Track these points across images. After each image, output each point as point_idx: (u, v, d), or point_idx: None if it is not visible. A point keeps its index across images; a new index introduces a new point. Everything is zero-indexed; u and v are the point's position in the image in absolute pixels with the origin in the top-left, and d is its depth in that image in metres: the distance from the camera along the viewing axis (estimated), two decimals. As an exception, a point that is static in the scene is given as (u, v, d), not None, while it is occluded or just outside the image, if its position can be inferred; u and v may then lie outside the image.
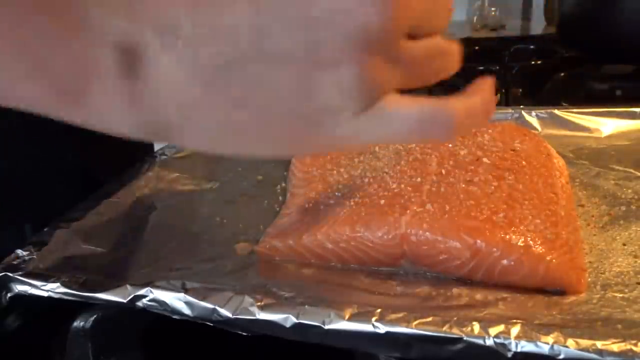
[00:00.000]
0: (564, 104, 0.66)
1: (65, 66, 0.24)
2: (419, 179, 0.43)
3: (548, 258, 0.36)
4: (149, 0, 0.23)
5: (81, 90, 0.24)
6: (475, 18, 1.32)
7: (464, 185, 0.42)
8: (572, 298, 0.36)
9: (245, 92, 0.24)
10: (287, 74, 0.24)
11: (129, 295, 0.37)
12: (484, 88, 0.29)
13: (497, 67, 0.88)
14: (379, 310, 0.33)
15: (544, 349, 0.30)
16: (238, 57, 0.24)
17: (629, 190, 0.47)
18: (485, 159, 0.45)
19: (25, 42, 0.23)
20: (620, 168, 0.51)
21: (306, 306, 0.34)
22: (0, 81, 0.24)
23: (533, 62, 0.93)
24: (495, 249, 0.37)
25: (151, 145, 0.70)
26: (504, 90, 0.84)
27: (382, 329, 0.32)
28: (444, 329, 0.31)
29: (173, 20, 0.23)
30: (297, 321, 0.34)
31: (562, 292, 0.36)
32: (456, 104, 0.27)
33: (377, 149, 0.51)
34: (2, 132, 0.50)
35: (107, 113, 0.25)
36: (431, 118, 0.26)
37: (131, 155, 0.60)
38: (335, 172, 0.49)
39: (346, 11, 0.23)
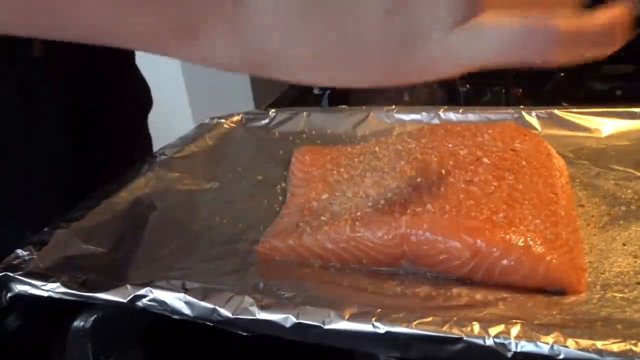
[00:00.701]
0: (564, 104, 0.66)
1: (176, 3, 0.24)
2: (419, 179, 0.43)
3: (548, 258, 0.36)
4: None
5: (193, 23, 0.25)
6: (475, 18, 1.32)
7: (464, 185, 0.42)
8: (572, 298, 0.36)
9: (340, 15, 0.24)
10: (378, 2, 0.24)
11: (129, 295, 0.37)
12: (611, 12, 0.24)
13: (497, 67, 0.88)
14: (379, 310, 0.33)
15: (544, 349, 0.30)
16: None
17: (629, 190, 0.47)
18: (485, 159, 0.45)
19: None
20: (620, 168, 0.51)
21: (306, 306, 0.34)
22: (113, 16, 0.25)
23: (533, 62, 0.92)
24: (495, 249, 0.37)
25: (151, 145, 0.70)
26: (504, 90, 0.84)
27: (382, 329, 0.32)
28: (444, 329, 0.31)
29: None
30: (297, 321, 0.34)
31: (562, 292, 0.36)
32: (564, 20, 0.24)
33: (377, 149, 0.51)
34: (2, 132, 0.50)
35: (215, 45, 0.26)
36: (530, 32, 0.24)
37: (131, 155, 0.60)
38: (335, 172, 0.49)
39: None
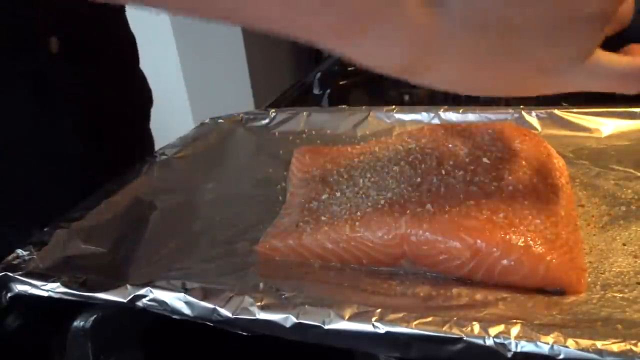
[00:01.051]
0: (564, 104, 0.66)
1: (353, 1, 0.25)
2: (419, 179, 0.43)
3: (548, 258, 0.36)
4: None
5: (365, 21, 0.26)
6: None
7: (464, 185, 0.42)
8: (572, 298, 0.36)
9: (502, 37, 0.28)
10: (542, 26, 0.27)
11: (129, 295, 0.37)
12: None
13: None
14: (379, 310, 0.33)
15: (544, 349, 0.30)
16: (505, 10, 0.27)
17: (629, 190, 0.47)
18: (485, 159, 0.45)
19: None
20: (620, 168, 0.51)
21: (306, 306, 0.34)
22: (290, 13, 0.25)
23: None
24: (495, 249, 0.37)
25: (151, 145, 0.70)
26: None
27: (382, 329, 0.32)
28: (444, 329, 0.31)
29: None
30: (297, 321, 0.34)
31: (562, 292, 0.36)
32: None
33: (377, 149, 0.51)
34: (13, 130, 0.50)
35: (377, 48, 0.27)
36: (630, 73, 0.31)
37: (131, 155, 0.60)
38: (335, 172, 0.49)
39: None
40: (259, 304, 0.35)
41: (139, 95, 0.67)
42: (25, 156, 0.51)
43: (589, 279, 0.37)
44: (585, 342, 0.29)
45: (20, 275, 0.40)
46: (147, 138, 0.70)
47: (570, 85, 0.31)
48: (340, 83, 0.92)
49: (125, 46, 0.64)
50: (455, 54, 0.28)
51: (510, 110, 0.62)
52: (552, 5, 0.27)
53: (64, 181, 0.54)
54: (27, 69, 0.49)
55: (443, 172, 0.44)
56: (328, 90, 0.89)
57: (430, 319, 0.32)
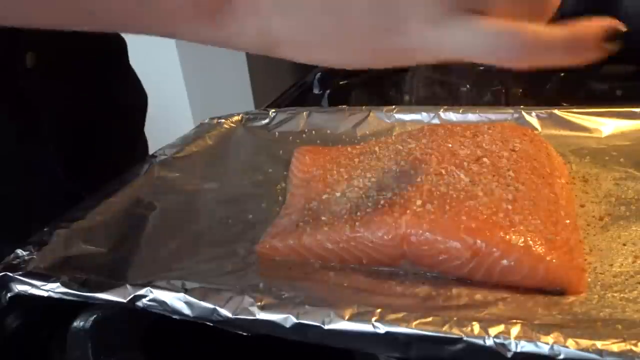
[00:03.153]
0: (564, 104, 0.66)
1: None
2: (419, 179, 0.43)
3: (548, 258, 0.36)
4: None
5: (219, 7, 0.29)
6: (475, 18, 1.31)
7: (464, 185, 0.42)
8: (572, 298, 0.36)
9: (335, 4, 0.28)
10: None
11: (129, 295, 0.37)
12: (585, 27, 0.27)
13: (497, 67, 0.88)
14: (379, 310, 0.33)
15: (544, 349, 0.30)
16: None
17: (629, 190, 0.47)
18: (485, 159, 0.45)
19: None
20: (620, 168, 0.51)
21: (306, 306, 0.34)
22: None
23: (533, 62, 0.92)
24: (495, 249, 0.37)
25: (145, 149, 0.70)
26: (504, 90, 0.84)
27: (382, 329, 0.32)
28: (444, 329, 0.31)
29: None
30: (297, 321, 0.34)
31: (562, 292, 0.36)
32: (538, 32, 0.27)
33: (377, 149, 0.51)
34: (5, 132, 0.50)
35: (228, 27, 0.30)
36: (505, 42, 0.26)
37: (131, 156, 0.60)
38: (335, 172, 0.49)
39: None
40: (259, 304, 0.35)
41: (130, 101, 0.66)
42: (10, 173, 0.51)
43: (589, 279, 0.37)
44: (585, 342, 0.29)
45: (20, 275, 0.40)
46: (140, 142, 0.70)
47: (429, 51, 0.28)
48: (340, 83, 0.92)
49: (110, 52, 0.62)
50: (292, 32, 0.30)
51: (510, 110, 0.62)
52: None
53: (64, 181, 0.54)
54: (5, 84, 0.49)
55: (443, 172, 0.44)
56: (328, 90, 0.89)
57: (430, 319, 0.32)
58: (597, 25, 0.28)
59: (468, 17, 0.26)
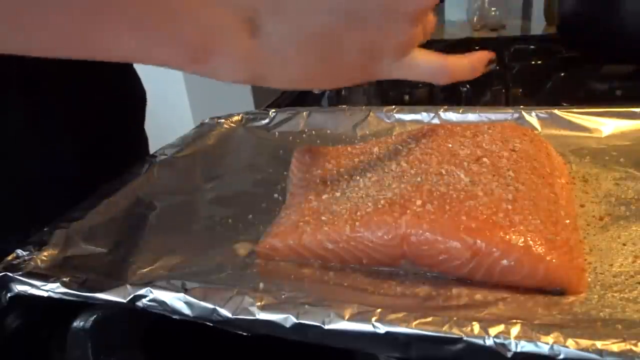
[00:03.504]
0: (564, 104, 0.66)
1: (194, 35, 0.32)
2: (419, 179, 0.43)
3: (548, 258, 0.36)
4: None
5: (205, 53, 0.33)
6: (475, 18, 1.32)
7: (464, 185, 0.42)
8: (572, 298, 0.36)
9: (327, 51, 0.35)
10: (359, 39, 0.36)
11: (129, 295, 0.37)
12: (477, 58, 0.43)
13: (497, 67, 0.88)
14: (379, 310, 0.33)
15: (544, 349, 0.30)
16: (329, 27, 0.34)
17: (629, 190, 0.47)
18: (485, 159, 0.45)
19: (163, 18, 0.31)
20: (620, 168, 0.51)
21: (306, 306, 0.34)
22: (140, 44, 0.31)
23: (533, 62, 0.93)
24: (495, 249, 0.37)
25: (143, 149, 0.70)
26: (504, 90, 0.84)
27: (382, 329, 0.32)
28: (444, 329, 0.31)
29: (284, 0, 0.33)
30: (297, 321, 0.34)
31: (562, 292, 0.36)
32: (453, 62, 0.41)
33: (377, 149, 0.51)
34: (4, 131, 0.50)
35: (224, 68, 0.34)
36: (439, 69, 0.41)
37: (131, 155, 0.60)
38: (335, 172, 0.49)
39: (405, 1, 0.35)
40: (259, 304, 0.35)
41: (132, 94, 0.67)
42: (18, 157, 0.51)
43: (589, 279, 0.37)
44: (585, 342, 0.29)
45: (20, 275, 0.40)
46: (141, 139, 0.70)
47: (391, 76, 0.39)
48: (340, 83, 0.92)
49: None
50: (284, 65, 0.35)
51: (510, 110, 0.62)
52: (364, 15, 0.35)
53: (65, 181, 0.54)
54: (15, 69, 0.49)
55: (443, 172, 0.44)
56: (328, 90, 0.89)
57: (430, 319, 0.32)
58: (483, 53, 0.43)
59: (413, 53, 0.39)
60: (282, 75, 0.36)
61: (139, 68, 0.68)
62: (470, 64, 0.42)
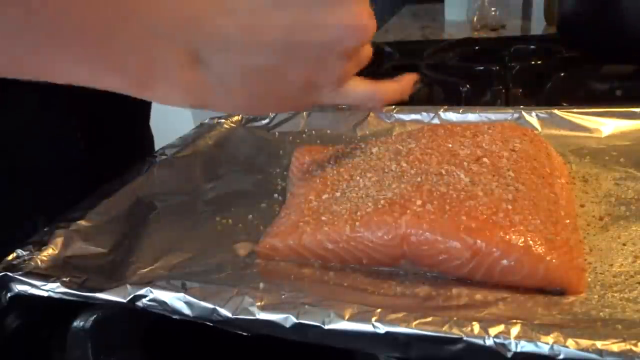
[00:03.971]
0: (564, 104, 0.66)
1: (138, 64, 0.34)
2: (419, 179, 0.43)
3: (548, 258, 0.36)
4: (205, 20, 0.34)
5: (150, 81, 0.35)
6: (475, 18, 1.32)
7: (464, 185, 0.42)
8: (572, 298, 0.36)
9: (270, 83, 0.38)
10: (300, 73, 0.38)
11: (129, 295, 0.37)
12: (406, 80, 0.47)
13: (497, 67, 0.88)
14: (379, 310, 0.33)
15: (544, 349, 0.30)
16: (271, 62, 0.36)
17: (629, 190, 0.47)
18: (485, 159, 0.45)
19: (109, 50, 0.32)
20: (620, 168, 0.51)
21: (306, 306, 0.34)
22: (91, 73, 0.34)
23: (533, 62, 0.92)
24: (495, 249, 0.37)
25: (151, 146, 0.70)
26: (504, 90, 0.84)
27: (382, 329, 0.32)
28: (444, 329, 0.31)
29: (227, 36, 0.34)
30: (297, 321, 0.34)
31: (562, 292, 0.36)
32: (385, 87, 0.46)
33: (377, 149, 0.51)
34: (14, 125, 0.50)
35: (169, 96, 0.36)
36: (371, 95, 0.45)
37: (132, 155, 0.60)
38: (335, 172, 0.49)
39: (341, 39, 0.38)
40: (259, 304, 0.35)
41: None
42: (27, 148, 0.51)
43: (589, 279, 0.37)
44: (585, 342, 0.29)
45: (20, 275, 0.40)
46: (147, 136, 0.70)
47: (330, 102, 0.43)
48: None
49: None
50: (227, 94, 0.37)
51: (510, 110, 0.62)
52: (300, 53, 0.37)
53: (66, 173, 0.54)
54: None
55: (443, 172, 0.44)
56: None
57: (430, 319, 0.32)
58: (409, 76, 0.47)
59: (352, 82, 0.42)
60: (227, 103, 0.39)
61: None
62: (399, 87, 0.46)
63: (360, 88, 0.44)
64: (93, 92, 0.55)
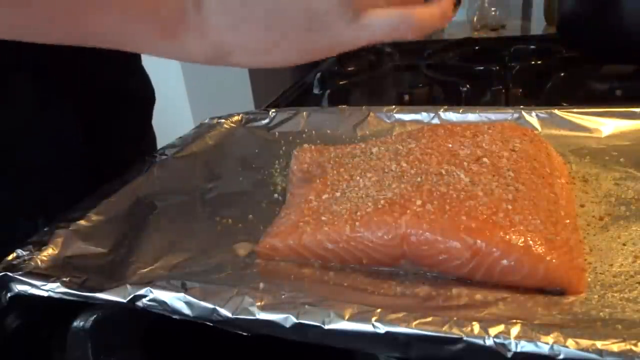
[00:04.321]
0: (564, 104, 0.66)
1: (167, 10, 0.35)
2: (419, 179, 0.43)
3: (548, 258, 0.36)
4: None
5: (176, 28, 0.36)
6: (475, 18, 1.32)
7: (464, 185, 0.42)
8: (572, 298, 0.36)
9: (273, 16, 0.36)
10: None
11: (129, 295, 0.37)
12: (444, 2, 0.40)
13: (497, 67, 0.88)
14: (378, 310, 0.33)
15: (544, 349, 0.30)
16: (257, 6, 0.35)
17: (629, 190, 0.47)
18: (485, 159, 0.45)
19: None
20: (620, 168, 0.51)
21: (306, 306, 0.34)
22: (123, 17, 0.35)
23: (533, 62, 0.93)
24: (495, 249, 0.37)
25: (151, 146, 0.70)
26: (504, 90, 0.84)
27: (382, 329, 0.32)
28: (444, 329, 0.31)
29: None
30: (297, 321, 0.34)
31: (562, 292, 0.36)
32: (419, 11, 0.38)
33: (377, 149, 0.51)
34: (5, 121, 0.50)
35: (189, 43, 0.37)
36: (399, 23, 0.37)
37: (139, 151, 0.60)
38: (335, 172, 0.49)
39: None
40: (259, 304, 0.35)
41: (142, 90, 0.67)
42: (27, 145, 0.51)
43: (589, 279, 0.37)
44: (585, 342, 0.29)
45: (20, 275, 0.40)
46: (149, 133, 0.70)
47: (348, 42, 0.38)
48: (340, 83, 0.92)
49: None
50: (235, 35, 0.36)
51: (510, 110, 0.62)
52: None
53: (67, 171, 0.54)
54: (27, 55, 0.49)
55: (443, 172, 0.44)
56: (328, 90, 0.89)
57: (430, 319, 0.32)
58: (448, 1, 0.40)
59: (370, 12, 0.37)
60: (241, 50, 0.37)
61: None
62: (440, 10, 0.39)
63: (387, 14, 0.37)
64: (93, 88, 0.55)
